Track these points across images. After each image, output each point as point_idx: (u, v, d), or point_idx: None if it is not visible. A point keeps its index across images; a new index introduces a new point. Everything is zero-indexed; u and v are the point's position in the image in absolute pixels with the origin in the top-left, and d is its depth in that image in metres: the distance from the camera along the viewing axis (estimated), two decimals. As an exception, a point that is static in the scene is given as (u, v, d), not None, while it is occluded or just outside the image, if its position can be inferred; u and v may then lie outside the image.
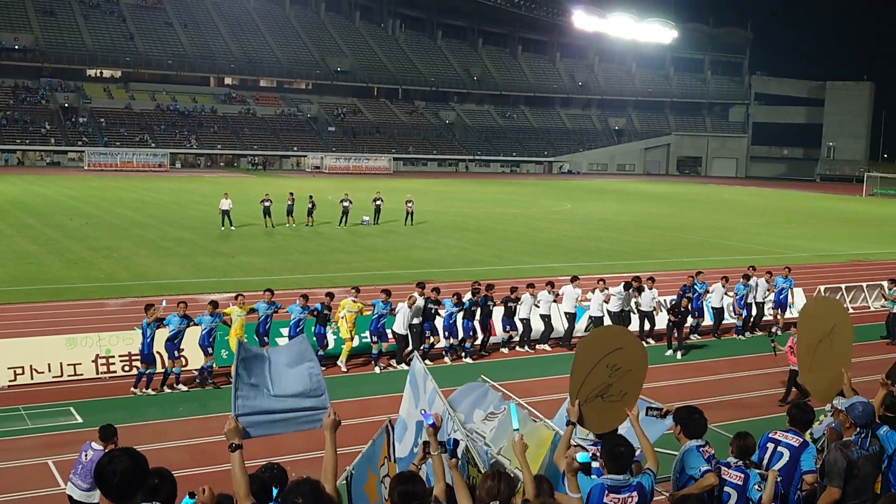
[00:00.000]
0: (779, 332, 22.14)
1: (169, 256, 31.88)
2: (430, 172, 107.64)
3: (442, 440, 6.13)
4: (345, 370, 17.89)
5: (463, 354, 19.08)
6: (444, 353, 19.03)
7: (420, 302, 18.47)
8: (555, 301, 20.62)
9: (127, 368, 16.77)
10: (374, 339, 18.02)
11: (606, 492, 6.09)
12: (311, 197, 43.67)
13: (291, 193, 44.01)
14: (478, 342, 19.58)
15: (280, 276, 28.26)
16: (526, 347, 20.17)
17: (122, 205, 50.46)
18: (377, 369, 18.00)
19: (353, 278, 27.29)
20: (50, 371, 16.21)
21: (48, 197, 54.04)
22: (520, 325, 20.08)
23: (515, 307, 19.82)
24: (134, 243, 34.64)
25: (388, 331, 18.34)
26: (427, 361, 18.61)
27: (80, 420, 14.37)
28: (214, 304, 17.00)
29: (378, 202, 45.37)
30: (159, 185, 68.13)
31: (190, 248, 34.24)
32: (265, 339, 17.45)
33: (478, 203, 61.48)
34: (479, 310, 19.09)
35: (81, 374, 16.41)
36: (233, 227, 39.99)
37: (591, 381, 6.72)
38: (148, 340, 15.87)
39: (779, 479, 7.22)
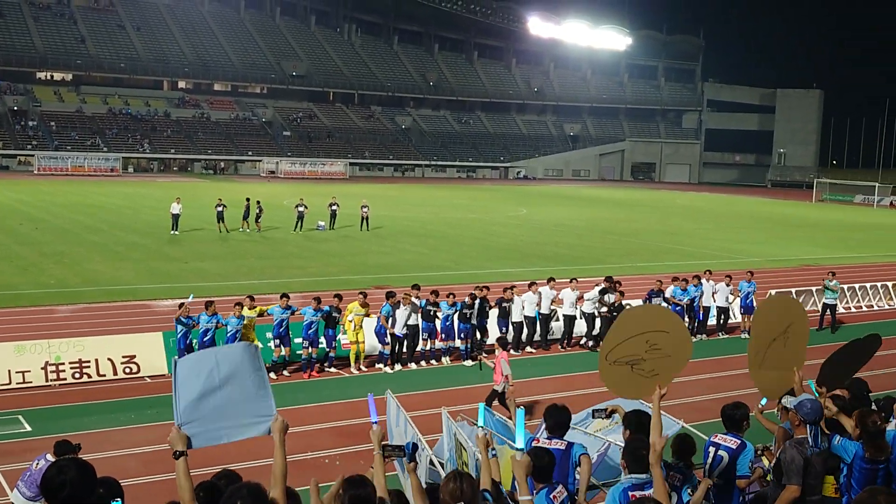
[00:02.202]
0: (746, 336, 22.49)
1: (121, 261, 31.46)
2: (387, 177, 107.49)
3: (400, 444, 6.19)
4: (356, 372, 18.25)
5: (462, 354, 19.51)
6: (442, 354, 19.47)
7: (417, 303, 18.88)
8: (537, 305, 20.92)
9: (77, 376, 16.51)
10: (387, 340, 18.52)
11: (630, 492, 6.20)
12: (258, 202, 42.92)
13: (248, 199, 43.56)
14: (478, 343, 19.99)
15: (235, 281, 28.02)
16: (510, 350, 20.51)
17: (74, 209, 49.69)
18: (388, 369, 18.47)
19: (308, 283, 27.20)
20: (-2, 379, 15.91)
21: (-3, 201, 53.08)
22: (511, 328, 20.33)
23: (510, 307, 20.15)
24: (86, 248, 34.13)
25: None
26: (433, 362, 19.21)
27: (28, 428, 14.13)
28: (240, 306, 17.43)
29: (334, 207, 45.13)
30: (111, 190, 67.15)
31: (143, 252, 33.81)
32: (276, 341, 17.84)
33: (434, 208, 61.47)
34: (474, 312, 19.40)
35: (30, 382, 16.12)
36: (175, 232, 39.58)
37: (625, 347, 6.64)
38: (180, 336, 16.75)
39: (712, 487, 7.34)
